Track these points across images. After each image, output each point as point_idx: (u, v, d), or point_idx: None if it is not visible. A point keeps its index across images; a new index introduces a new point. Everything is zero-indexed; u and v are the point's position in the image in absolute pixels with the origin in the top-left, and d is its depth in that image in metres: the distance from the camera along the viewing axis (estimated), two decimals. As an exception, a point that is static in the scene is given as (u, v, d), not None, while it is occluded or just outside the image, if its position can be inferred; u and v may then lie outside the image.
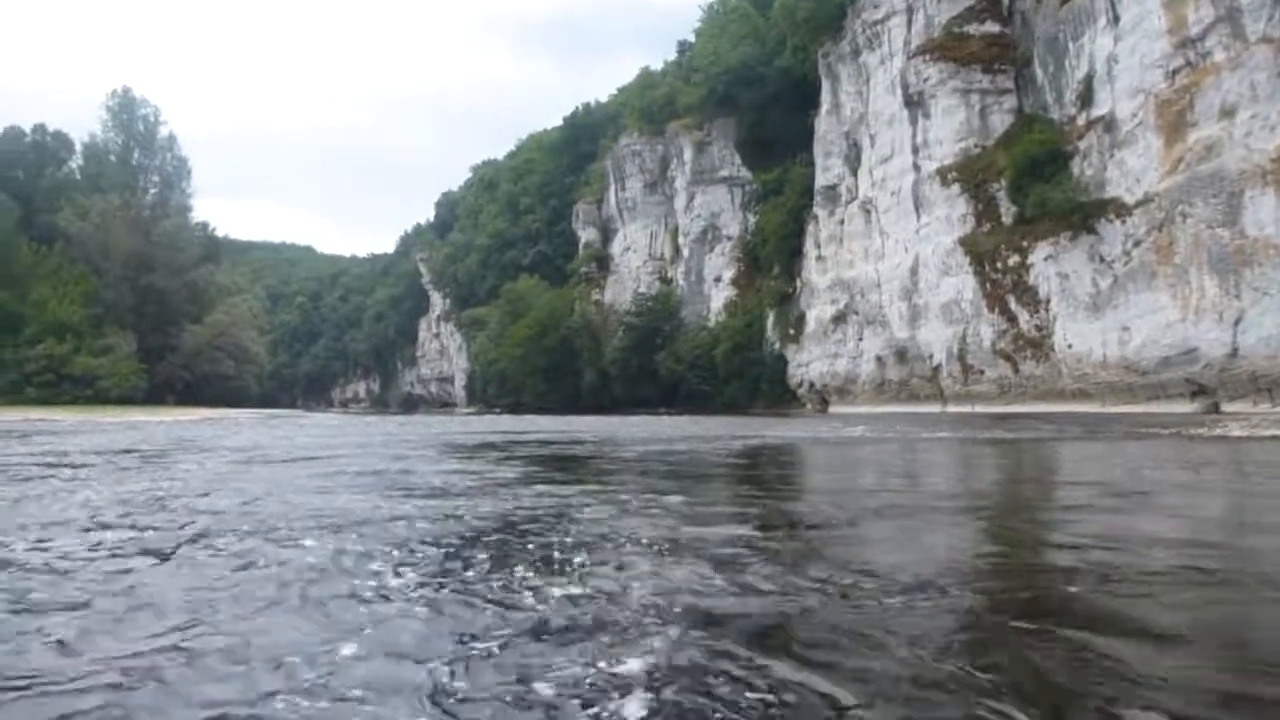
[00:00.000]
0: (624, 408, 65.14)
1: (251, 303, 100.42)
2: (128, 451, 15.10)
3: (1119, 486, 9.18)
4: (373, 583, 3.95)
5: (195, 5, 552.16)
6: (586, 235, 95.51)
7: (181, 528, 5.71)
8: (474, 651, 2.92)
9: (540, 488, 8.51)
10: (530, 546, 4.98)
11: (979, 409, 40.36)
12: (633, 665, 2.77)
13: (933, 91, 45.70)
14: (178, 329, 76.34)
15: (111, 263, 72.46)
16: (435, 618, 3.35)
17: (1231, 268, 29.33)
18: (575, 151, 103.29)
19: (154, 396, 66.74)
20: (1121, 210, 34.28)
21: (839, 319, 54.96)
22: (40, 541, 5.15)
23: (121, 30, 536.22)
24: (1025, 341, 39.99)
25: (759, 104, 66.46)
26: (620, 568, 4.30)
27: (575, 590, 3.80)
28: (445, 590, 3.83)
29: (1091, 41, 37.04)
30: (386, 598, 3.68)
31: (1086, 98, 37.55)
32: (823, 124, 58.18)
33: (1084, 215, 35.90)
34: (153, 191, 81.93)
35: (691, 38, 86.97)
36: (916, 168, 47.07)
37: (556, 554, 4.68)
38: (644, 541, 5.03)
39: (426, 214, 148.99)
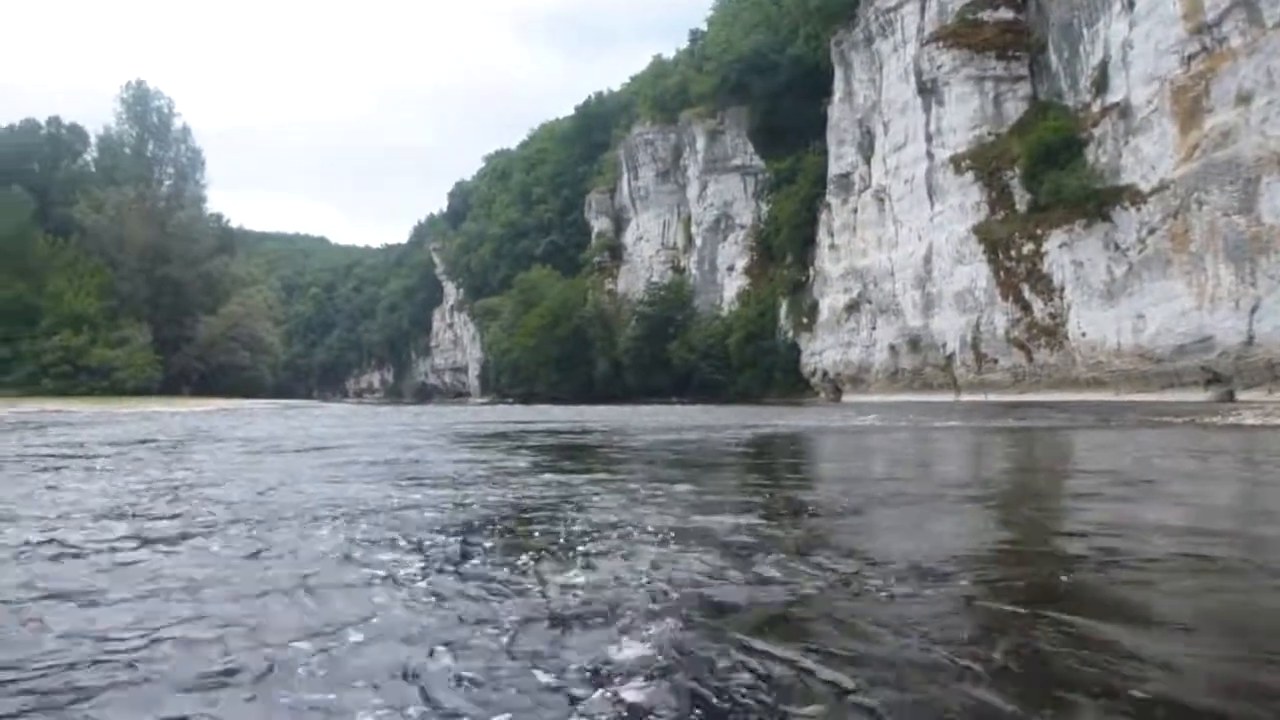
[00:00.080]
0: (637, 397, 65.10)
1: (266, 294, 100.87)
2: (143, 442, 15.22)
3: (1128, 475, 9.16)
4: (382, 571, 3.99)
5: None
6: (599, 225, 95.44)
7: (194, 517, 5.78)
8: (479, 637, 2.95)
9: (550, 476, 8.56)
10: (538, 535, 5.03)
11: (992, 398, 40.21)
12: (637, 651, 2.80)
13: (946, 79, 45.38)
14: (193, 320, 76.71)
15: (127, 254, 72.82)
16: (442, 604, 3.39)
17: (1247, 255, 29.10)
18: (588, 141, 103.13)
19: (169, 387, 67.18)
20: (1136, 197, 34.03)
21: (852, 308, 54.82)
22: (55, 530, 5.21)
23: (134, 24, 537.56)
24: (1039, 330, 39.79)
25: (772, 92, 66.07)
26: (627, 556, 4.33)
27: (581, 578, 3.83)
28: (453, 578, 3.87)
29: (1106, 27, 36.74)
30: (395, 584, 3.73)
31: (1101, 84, 37.25)
32: (835, 112, 57.90)
33: (1099, 203, 35.64)
34: (167, 183, 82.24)
35: (704, 26, 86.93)
36: (930, 155, 46.80)
37: (564, 542, 4.72)
38: (651, 530, 5.06)
39: (439, 204, 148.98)
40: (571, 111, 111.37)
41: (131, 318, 70.17)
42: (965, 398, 42.89)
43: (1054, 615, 3.15)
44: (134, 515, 5.90)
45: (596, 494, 6.95)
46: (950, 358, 45.74)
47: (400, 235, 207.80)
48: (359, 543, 4.72)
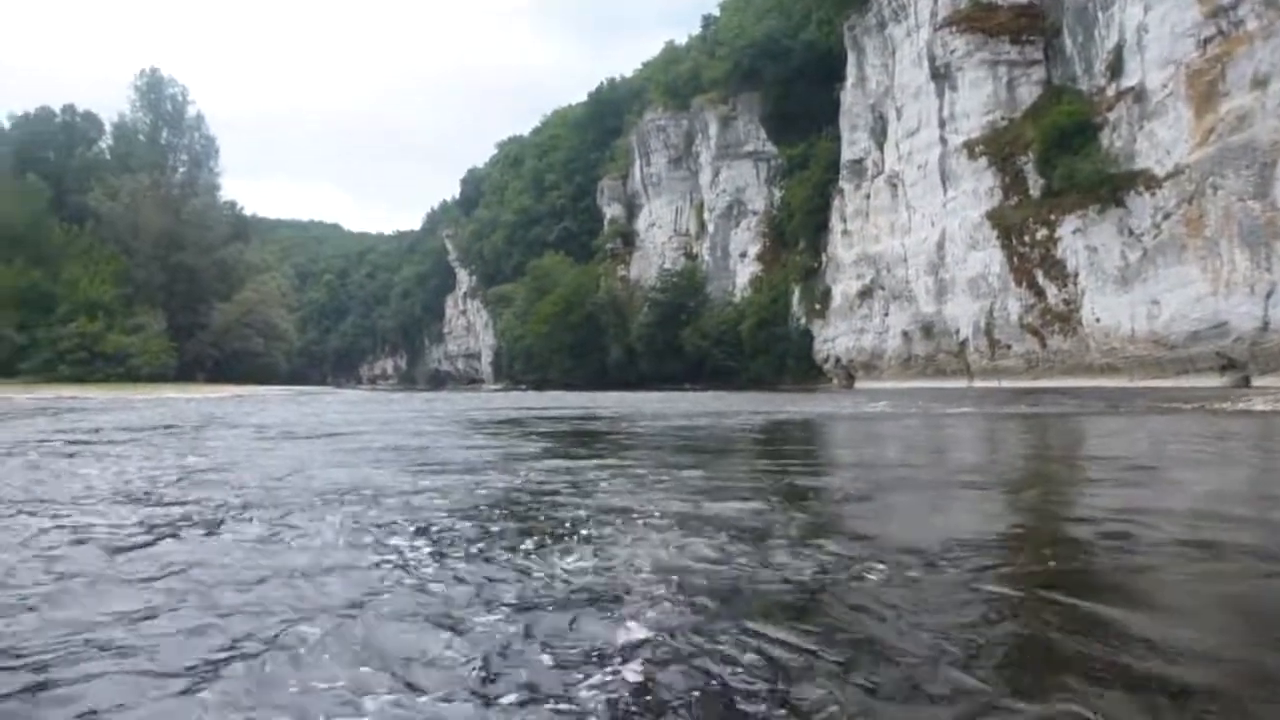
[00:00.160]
0: (649, 384, 65.17)
1: (280, 280, 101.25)
2: (157, 428, 15.32)
3: (1137, 461, 9.15)
4: (391, 555, 4.02)
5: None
6: (612, 211, 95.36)
7: (207, 502, 5.82)
8: (488, 620, 2.98)
9: (560, 462, 8.59)
10: (547, 519, 5.06)
11: (1006, 384, 40.14)
12: (643, 633, 2.82)
13: (960, 63, 45.09)
14: (207, 307, 77.14)
15: (141, 242, 73.23)
16: (451, 587, 3.41)
17: (1263, 240, 28.92)
18: (600, 127, 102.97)
19: (184, 374, 67.63)
20: (1151, 182, 33.82)
21: (865, 294, 54.69)
22: (68, 515, 5.26)
23: (146, 11, 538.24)
24: (1053, 316, 39.65)
25: (784, 78, 65.79)
26: (635, 540, 4.34)
27: (589, 562, 3.86)
28: (462, 561, 3.89)
29: (1121, 11, 36.43)
30: (405, 568, 3.76)
31: (1116, 68, 36.97)
32: (848, 97, 57.65)
33: (1113, 188, 35.44)
34: (181, 170, 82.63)
35: (716, 12, 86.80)
36: (943, 141, 46.57)
37: (572, 527, 4.74)
38: (659, 515, 5.08)
39: (452, 191, 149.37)
40: (584, 98, 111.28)
41: (146, 305, 70.65)
42: (978, 384, 42.82)
43: (1060, 599, 3.17)
44: (147, 500, 5.95)
45: (606, 479, 6.97)
46: (963, 344, 45.62)
47: (413, 222, 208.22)
48: (369, 527, 4.76)
